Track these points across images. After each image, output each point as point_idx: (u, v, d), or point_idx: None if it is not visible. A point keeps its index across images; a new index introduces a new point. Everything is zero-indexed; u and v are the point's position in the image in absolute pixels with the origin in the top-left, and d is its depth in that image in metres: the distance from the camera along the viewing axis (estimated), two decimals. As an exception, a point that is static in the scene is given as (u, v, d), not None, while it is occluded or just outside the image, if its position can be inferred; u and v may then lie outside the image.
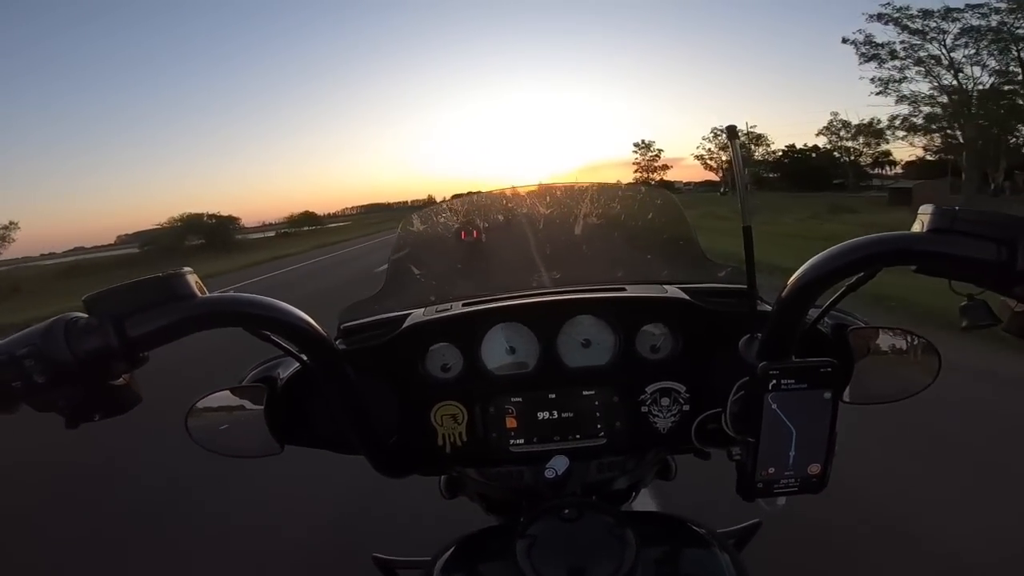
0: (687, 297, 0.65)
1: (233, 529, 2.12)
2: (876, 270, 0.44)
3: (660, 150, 71.52)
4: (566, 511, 0.56)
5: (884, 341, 0.60)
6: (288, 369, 0.64)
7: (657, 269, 0.76)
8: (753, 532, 0.69)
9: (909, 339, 0.59)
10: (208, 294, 0.44)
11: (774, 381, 0.46)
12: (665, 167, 69.84)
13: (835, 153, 47.66)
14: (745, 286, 0.64)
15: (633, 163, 71.58)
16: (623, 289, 0.69)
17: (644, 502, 1.75)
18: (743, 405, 0.51)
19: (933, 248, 0.41)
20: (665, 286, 0.69)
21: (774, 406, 0.47)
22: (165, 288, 0.42)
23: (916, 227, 0.42)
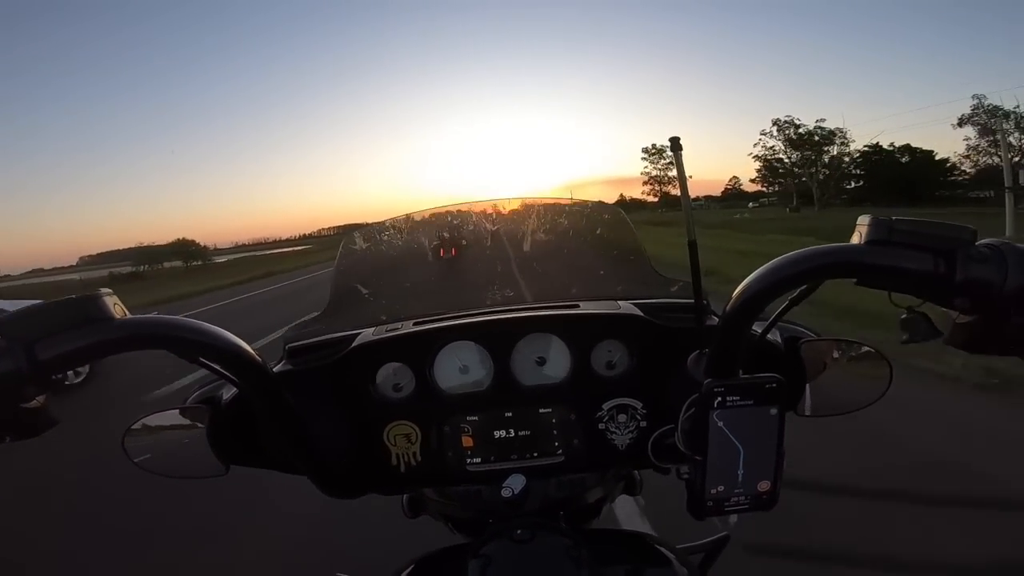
0: (640, 313, 0.65)
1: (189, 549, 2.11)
2: (818, 283, 0.44)
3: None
4: (518, 532, 0.55)
5: (836, 353, 0.60)
6: (232, 389, 0.62)
7: (610, 285, 0.76)
8: (722, 546, 0.68)
9: (860, 350, 0.60)
10: (128, 316, 0.43)
11: (719, 398, 0.46)
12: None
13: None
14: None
15: (642, 173, 67.46)
16: (577, 306, 0.69)
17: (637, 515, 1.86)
18: (693, 422, 0.51)
19: (871, 260, 0.40)
20: (619, 302, 0.69)
21: (720, 423, 0.46)
22: (80, 310, 0.41)
23: (855, 238, 0.42)
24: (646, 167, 67.42)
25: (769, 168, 55.65)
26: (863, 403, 0.61)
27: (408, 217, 0.84)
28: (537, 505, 0.63)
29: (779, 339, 0.61)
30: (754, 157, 58.02)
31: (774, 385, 0.46)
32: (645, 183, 68.92)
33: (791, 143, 52.01)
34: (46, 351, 0.39)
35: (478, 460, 0.64)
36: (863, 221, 0.41)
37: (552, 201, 0.84)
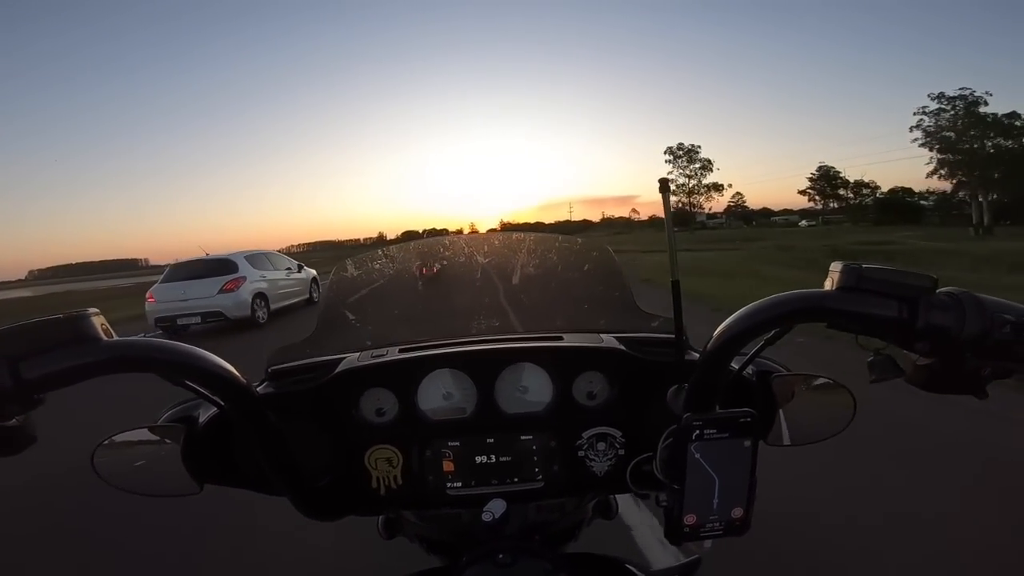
0: (622, 347, 0.68)
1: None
2: (791, 325, 0.48)
3: (709, 160, 60.59)
4: (500, 556, 0.57)
5: (804, 387, 0.64)
6: (210, 408, 0.62)
7: (593, 318, 0.79)
8: (693, 569, 0.70)
9: (827, 384, 0.64)
10: (114, 338, 0.43)
11: (697, 431, 0.48)
12: (719, 187, 60.54)
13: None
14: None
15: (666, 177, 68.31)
16: (560, 337, 0.71)
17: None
18: (671, 452, 0.53)
19: (840, 306, 0.44)
20: (601, 335, 0.72)
21: (697, 455, 0.49)
22: (67, 330, 0.41)
23: (827, 284, 0.46)
24: (670, 171, 61.42)
25: (956, 152, 35.14)
26: (829, 433, 0.64)
27: (398, 246, 0.87)
28: (516, 529, 0.64)
29: (752, 374, 0.65)
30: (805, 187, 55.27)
31: (748, 419, 0.49)
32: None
33: (970, 123, 34.49)
34: (31, 370, 0.39)
35: (459, 484, 0.65)
36: (835, 268, 0.45)
37: (539, 236, 0.88)
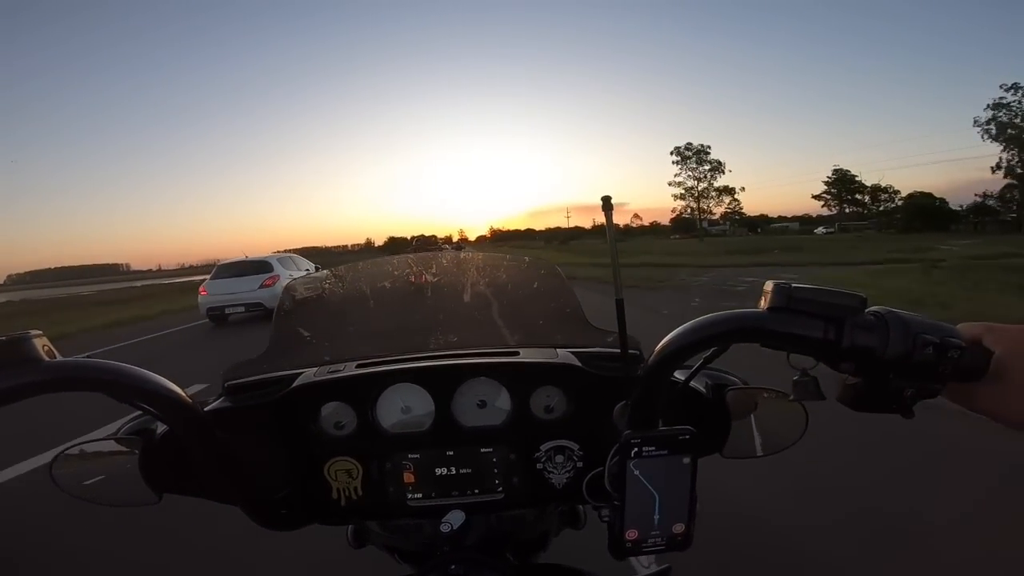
0: (577, 362, 0.69)
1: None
2: (728, 344, 0.49)
3: (719, 161, 58.23)
4: (453, 567, 0.58)
5: (758, 400, 0.65)
6: None
7: (548, 334, 0.80)
8: None
9: (780, 398, 0.65)
10: (57, 359, 0.44)
11: (636, 448, 0.49)
12: (731, 190, 58.38)
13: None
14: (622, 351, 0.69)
15: (673, 181, 58.89)
16: (517, 353, 0.73)
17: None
18: (618, 468, 0.54)
19: (770, 327, 0.44)
20: (557, 350, 0.73)
21: (636, 472, 0.50)
22: (6, 351, 0.42)
23: (761, 303, 0.46)
24: (677, 174, 60.15)
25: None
26: (783, 445, 0.66)
27: (351, 266, 0.88)
28: (478, 539, 0.65)
29: (705, 387, 0.66)
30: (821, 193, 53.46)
31: (687, 437, 0.50)
32: (677, 197, 60.44)
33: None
34: None
35: (419, 496, 0.66)
36: (767, 287, 0.46)
37: (487, 255, 0.90)
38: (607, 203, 0.57)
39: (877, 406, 0.46)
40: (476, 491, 0.66)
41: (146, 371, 0.49)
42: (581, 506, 0.78)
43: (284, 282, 9.64)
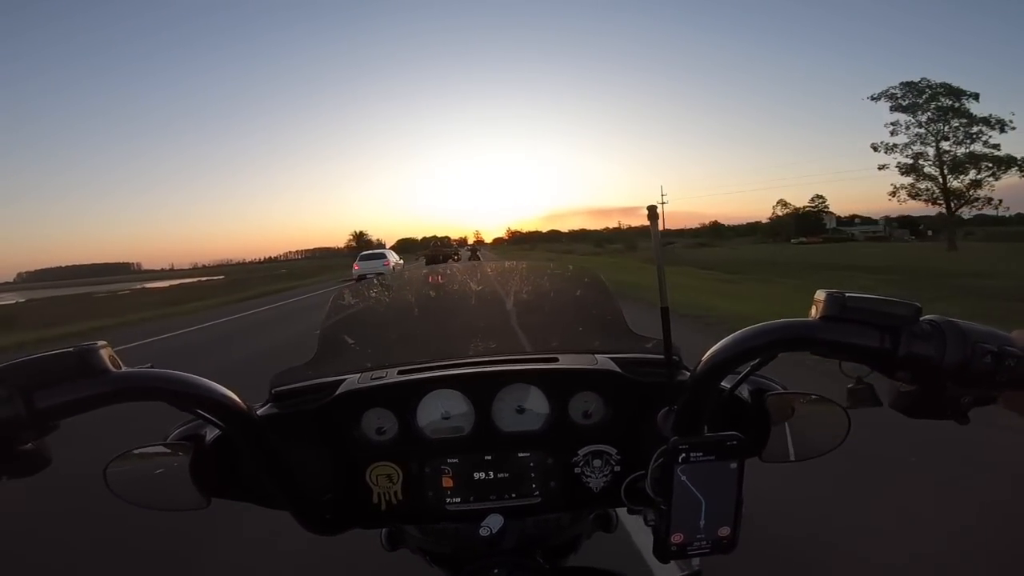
0: (616, 368, 0.71)
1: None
2: (777, 353, 0.50)
3: (993, 117, 31.35)
4: (496, 571, 0.60)
5: (798, 405, 0.66)
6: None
7: (587, 340, 0.82)
8: None
9: (821, 402, 0.66)
10: (121, 369, 0.47)
11: (684, 454, 0.50)
12: (1011, 161, 29.70)
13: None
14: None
15: (884, 144, 34.88)
16: (556, 359, 0.74)
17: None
18: (662, 472, 0.56)
19: (824, 336, 0.45)
20: (596, 356, 0.74)
21: (683, 477, 0.51)
22: (77, 362, 0.45)
23: (812, 311, 0.48)
24: (894, 131, 35.29)
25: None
26: (823, 450, 0.66)
27: (394, 277, 0.91)
28: (514, 543, 0.67)
29: (746, 392, 0.68)
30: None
31: (734, 443, 0.51)
32: (905, 171, 35.19)
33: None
34: (44, 400, 0.43)
35: (457, 500, 0.68)
36: (819, 296, 0.47)
37: (531, 265, 0.92)
38: (653, 212, 0.58)
39: (932, 413, 0.47)
40: (513, 495, 0.68)
41: (204, 379, 0.52)
42: (613, 510, 0.79)
43: (392, 261, 25.29)
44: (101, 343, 0.47)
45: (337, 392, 0.69)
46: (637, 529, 2.10)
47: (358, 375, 0.73)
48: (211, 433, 0.65)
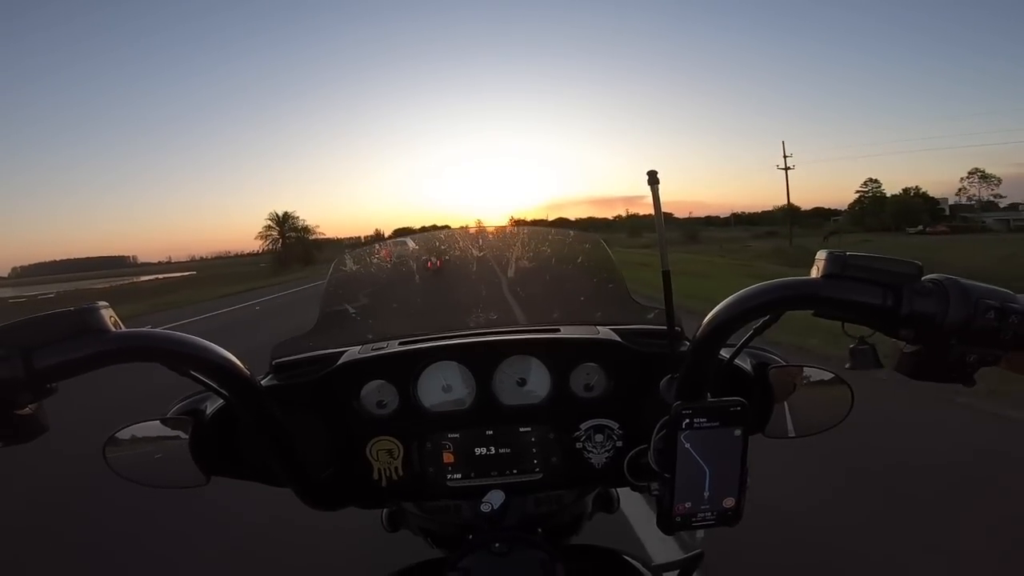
0: (618, 338, 0.70)
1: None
2: (780, 313, 0.49)
3: None
4: (497, 545, 0.59)
5: (802, 378, 0.66)
6: (216, 402, 0.65)
7: (589, 310, 0.81)
8: (696, 563, 0.72)
9: (825, 376, 0.66)
10: (122, 329, 0.46)
11: (687, 420, 0.50)
12: None
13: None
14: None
15: None
16: (557, 330, 0.74)
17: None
18: (665, 442, 0.55)
19: (826, 293, 0.45)
20: (598, 327, 0.74)
21: (687, 444, 0.51)
22: (77, 322, 0.44)
23: (813, 272, 0.47)
24: None
25: None
26: (827, 425, 0.66)
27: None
28: (515, 521, 0.66)
29: (749, 365, 0.67)
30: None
31: (739, 408, 0.51)
32: None
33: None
34: (42, 360, 0.42)
35: (458, 476, 0.68)
36: (821, 256, 0.46)
37: (532, 229, 0.91)
38: (653, 178, 0.58)
39: (937, 375, 0.46)
40: (514, 471, 0.68)
41: (206, 341, 0.50)
42: (615, 490, 0.79)
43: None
44: (102, 303, 0.45)
45: (338, 363, 0.69)
46: (638, 513, 2.12)
47: (359, 347, 0.73)
48: (211, 408, 0.64)
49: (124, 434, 0.62)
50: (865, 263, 0.45)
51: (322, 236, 46.84)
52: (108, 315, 0.45)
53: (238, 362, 0.53)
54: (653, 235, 0.62)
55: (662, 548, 1.94)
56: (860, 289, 0.45)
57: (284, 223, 46.40)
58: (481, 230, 0.92)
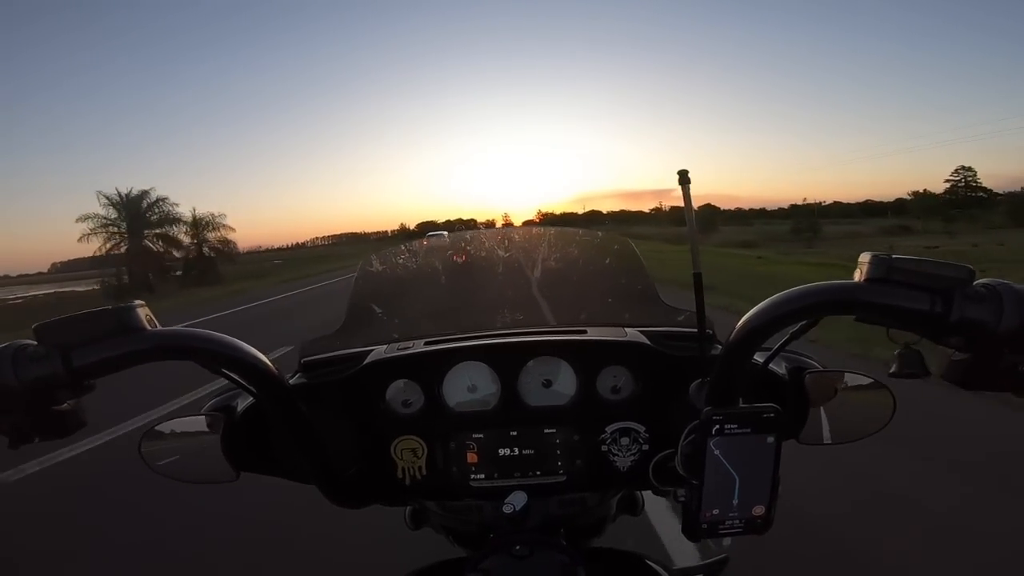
0: (646, 341, 0.69)
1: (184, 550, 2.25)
2: (818, 318, 0.48)
3: None
4: (517, 548, 0.59)
5: (840, 384, 0.63)
6: (247, 398, 0.66)
7: (617, 312, 0.80)
8: (720, 568, 0.71)
9: (864, 382, 0.63)
10: (158, 328, 0.47)
11: (717, 426, 0.49)
12: None
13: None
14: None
15: None
16: (584, 331, 0.73)
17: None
18: (693, 447, 0.54)
19: (869, 298, 0.43)
20: (626, 329, 0.73)
21: (716, 451, 0.49)
22: (114, 320, 0.45)
23: (856, 275, 0.45)
24: None
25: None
26: (866, 432, 0.64)
27: (423, 242, 0.90)
28: (538, 522, 0.66)
29: (784, 369, 0.65)
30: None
31: (772, 415, 0.49)
32: None
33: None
34: (81, 358, 0.44)
35: (482, 476, 0.68)
36: (864, 258, 0.44)
37: (560, 230, 0.91)
38: (684, 177, 0.57)
39: (988, 384, 0.44)
40: (538, 473, 0.67)
41: (238, 340, 0.52)
42: (639, 492, 0.79)
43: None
44: (138, 302, 0.47)
45: (364, 362, 0.69)
46: (660, 519, 2.10)
47: (385, 346, 0.74)
48: (242, 405, 0.66)
49: (159, 429, 0.64)
50: (912, 266, 0.42)
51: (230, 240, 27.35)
52: (144, 314, 0.47)
53: (268, 361, 0.54)
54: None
55: (685, 552, 1.92)
56: (906, 294, 0.42)
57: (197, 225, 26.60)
58: (509, 230, 0.92)
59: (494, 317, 0.83)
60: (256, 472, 0.68)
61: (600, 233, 0.89)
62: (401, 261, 0.90)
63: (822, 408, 0.63)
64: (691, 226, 0.57)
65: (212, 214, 26.41)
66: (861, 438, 0.64)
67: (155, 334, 0.46)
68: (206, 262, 25.74)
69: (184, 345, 0.48)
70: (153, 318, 0.47)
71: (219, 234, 26.55)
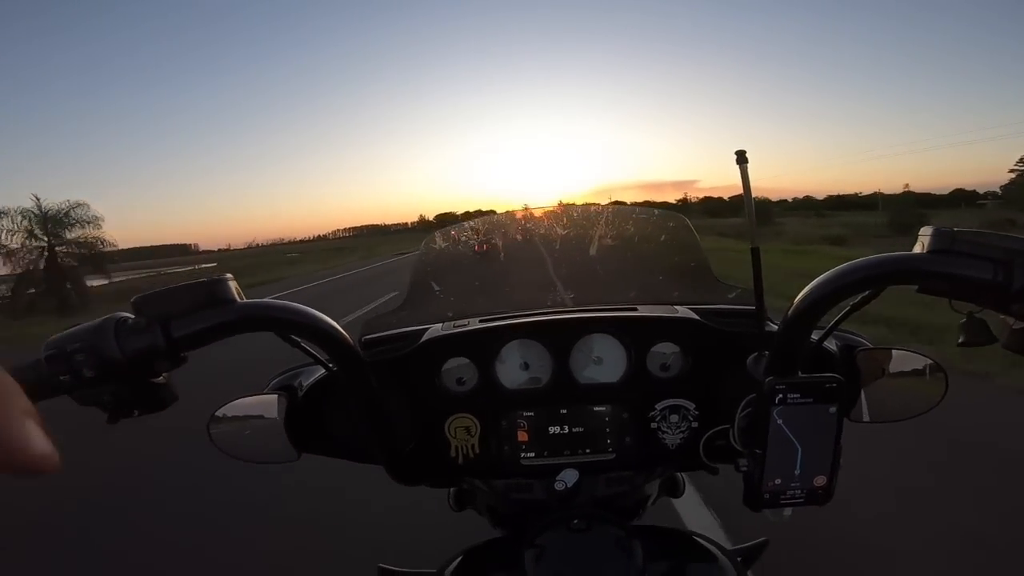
0: (697, 317, 0.70)
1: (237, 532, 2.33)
2: (880, 290, 0.49)
3: None
4: (575, 521, 0.60)
5: (891, 362, 0.63)
6: (309, 379, 0.69)
7: (669, 290, 0.81)
8: (760, 550, 0.72)
9: (917, 360, 0.63)
10: (246, 300, 0.49)
11: (780, 395, 0.50)
12: None
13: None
14: (753, 307, 0.69)
15: None
16: (635, 308, 0.74)
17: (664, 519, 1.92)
18: (750, 421, 0.55)
19: (933, 268, 0.44)
20: (676, 306, 0.74)
21: (779, 421, 0.50)
22: (209, 292, 0.47)
23: (917, 248, 0.46)
24: None
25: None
26: (918, 411, 0.64)
27: (480, 219, 0.92)
28: (586, 500, 0.67)
29: (835, 347, 0.66)
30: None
31: (834, 385, 0.50)
32: None
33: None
34: (179, 329, 0.46)
35: (532, 454, 0.69)
36: (925, 232, 0.46)
37: (615, 207, 0.92)
38: (742, 157, 0.58)
39: None
40: (587, 451, 0.68)
41: (318, 312, 0.53)
42: (681, 474, 0.80)
43: None
44: (228, 275, 0.49)
45: (421, 340, 0.71)
46: (696, 502, 2.10)
47: (441, 324, 0.75)
48: (304, 383, 0.68)
49: (224, 411, 0.66)
50: (974, 238, 0.44)
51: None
52: (234, 286, 0.49)
53: (346, 335, 0.56)
54: (727, 220, 0.62)
55: (723, 535, 1.92)
56: (968, 264, 0.44)
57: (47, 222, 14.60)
58: (567, 207, 0.93)
59: (546, 295, 0.84)
60: (316, 453, 0.69)
61: (656, 211, 0.90)
62: (463, 239, 0.92)
63: (873, 386, 0.64)
64: (749, 204, 0.58)
65: (68, 202, 15.07)
66: (913, 416, 0.64)
67: (244, 306, 0.48)
68: (59, 275, 14.48)
69: (269, 316, 0.50)
70: (240, 290, 0.49)
71: (86, 232, 15.41)
